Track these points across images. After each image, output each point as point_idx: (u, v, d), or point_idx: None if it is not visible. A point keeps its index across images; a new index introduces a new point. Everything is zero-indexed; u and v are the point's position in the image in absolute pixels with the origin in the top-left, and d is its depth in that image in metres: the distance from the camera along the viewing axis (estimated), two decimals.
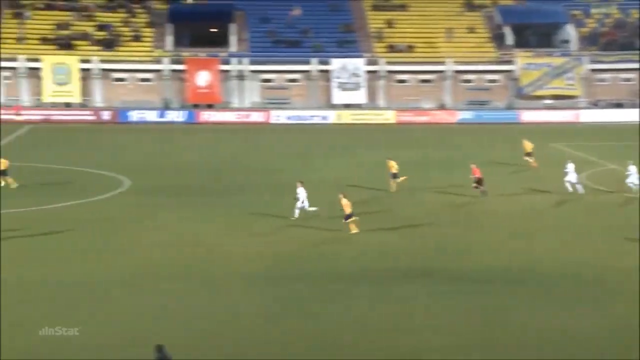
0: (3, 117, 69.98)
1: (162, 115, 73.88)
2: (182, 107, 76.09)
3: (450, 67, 77.70)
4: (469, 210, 37.20)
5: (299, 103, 77.92)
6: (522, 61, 78.53)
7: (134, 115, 73.45)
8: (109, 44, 77.98)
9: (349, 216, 32.16)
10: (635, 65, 77.56)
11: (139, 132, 67.15)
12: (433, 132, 67.97)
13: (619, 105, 77.55)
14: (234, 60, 77.24)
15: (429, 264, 28.35)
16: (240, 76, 77.07)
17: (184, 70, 76.29)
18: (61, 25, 79.33)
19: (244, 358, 20.23)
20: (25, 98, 74.80)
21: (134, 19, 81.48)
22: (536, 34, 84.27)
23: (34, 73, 74.82)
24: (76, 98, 74.83)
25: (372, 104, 77.88)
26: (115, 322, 22.37)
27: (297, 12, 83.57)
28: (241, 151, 56.87)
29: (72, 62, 74.76)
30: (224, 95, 77.09)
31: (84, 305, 23.72)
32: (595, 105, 78.19)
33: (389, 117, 75.47)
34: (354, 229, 32.19)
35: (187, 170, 47.54)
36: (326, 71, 77.70)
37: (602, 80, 79.11)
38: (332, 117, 75.44)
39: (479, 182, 39.25)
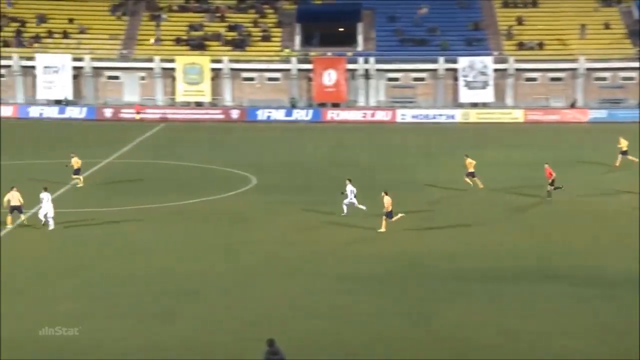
0: (137, 116, 73.26)
1: (289, 114, 75.07)
2: (309, 106, 77.10)
3: (582, 64, 75.27)
4: (583, 210, 36.40)
5: (425, 102, 77.47)
6: None
7: (262, 114, 75.00)
8: (239, 44, 79.88)
9: (390, 214, 32.06)
10: None
11: (266, 130, 68.42)
12: (563, 132, 66.10)
13: None
14: (360, 59, 77.56)
15: (549, 264, 27.73)
16: (367, 75, 77.33)
17: (311, 69, 77.22)
18: (194, 27, 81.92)
19: (360, 357, 20.28)
20: (159, 97, 77.64)
21: (263, 20, 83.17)
22: None
23: (168, 73, 77.56)
24: (207, 97, 77.09)
25: (499, 103, 76.51)
26: (233, 314, 22.89)
27: (424, 10, 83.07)
28: (366, 150, 56.98)
29: (203, 62, 76.97)
30: (350, 94, 77.55)
31: (207, 297, 24.35)
32: None
33: (517, 115, 73.89)
34: (383, 228, 32.13)
35: (312, 169, 48.10)
36: (453, 70, 76.88)
37: None
38: (459, 116, 74.57)
39: (551, 183, 38.51)
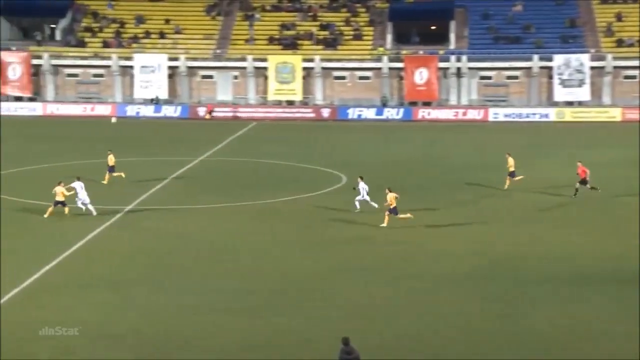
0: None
1: (379, 113, 75.03)
2: (400, 105, 76.88)
3: None
4: None
5: (518, 100, 76.22)
6: None
7: (353, 113, 75.18)
8: (331, 43, 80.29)
9: (394, 210, 32.32)
10: None
11: (356, 129, 68.54)
12: None
13: None
14: (452, 57, 76.87)
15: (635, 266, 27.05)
16: (459, 73, 76.60)
17: (403, 68, 76.95)
18: (286, 26, 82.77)
19: (442, 357, 20.26)
20: (251, 96, 78.77)
21: (355, 18, 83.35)
22: None
23: (261, 72, 78.58)
24: (298, 96, 77.78)
25: (596, 101, 74.64)
26: (313, 314, 23.11)
27: (519, 7, 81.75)
28: (457, 149, 56.59)
29: (295, 61, 77.67)
30: (442, 93, 76.95)
31: (291, 296, 24.58)
32: None
33: (615, 114, 71.95)
34: (385, 223, 32.45)
35: (403, 168, 47.95)
36: (548, 68, 75.39)
37: None
38: (553, 115, 73.07)
39: (584, 182, 37.76)
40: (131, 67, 78.46)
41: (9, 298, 23.92)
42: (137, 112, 76.46)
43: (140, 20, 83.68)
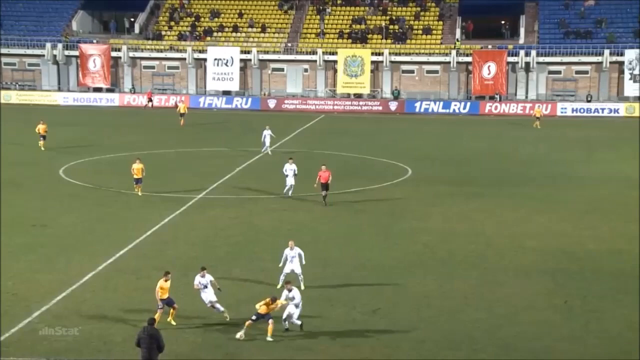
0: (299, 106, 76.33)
1: (446, 107, 75.74)
2: (467, 99, 77.43)
3: None
4: None
5: (587, 95, 75.93)
6: None
7: (420, 106, 76.04)
8: (400, 37, 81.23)
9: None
10: None
11: (423, 122, 69.37)
12: None
13: None
14: (521, 51, 77.01)
15: None
16: (527, 68, 76.72)
17: (471, 62, 77.44)
18: (357, 20, 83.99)
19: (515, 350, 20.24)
20: (320, 89, 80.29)
21: (425, 13, 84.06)
22: None
23: (330, 65, 80.00)
24: (366, 89, 78.94)
25: None
26: (389, 303, 23.51)
27: (591, 2, 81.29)
28: (521, 143, 56.99)
29: (365, 54, 78.83)
30: (510, 87, 77.22)
31: (373, 288, 24.84)
32: None
33: None
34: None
35: (468, 161, 48.61)
36: (618, 62, 74.97)
37: None
38: (622, 109, 72.73)
39: None
40: (205, 59, 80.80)
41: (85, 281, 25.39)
42: (210, 104, 78.75)
43: (214, 14, 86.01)
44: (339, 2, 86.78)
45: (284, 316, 21.00)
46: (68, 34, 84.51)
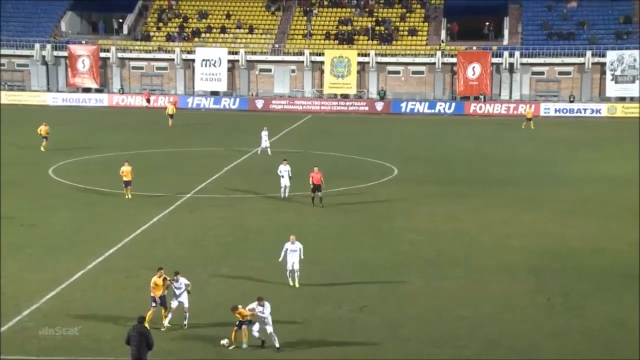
0: (287, 106, 76.55)
1: (432, 107, 76.33)
2: (452, 99, 78.09)
3: None
4: None
5: (570, 96, 76.72)
6: None
7: (406, 107, 76.59)
8: (386, 39, 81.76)
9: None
10: None
11: (409, 123, 69.83)
12: None
13: None
14: (505, 52, 77.70)
15: None
16: (511, 69, 77.46)
17: (456, 63, 78.07)
18: (343, 21, 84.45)
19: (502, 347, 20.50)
20: (308, 89, 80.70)
21: (411, 14, 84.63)
22: None
23: (317, 66, 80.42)
24: (352, 90, 79.40)
25: None
26: (379, 300, 23.78)
27: (574, 4, 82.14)
28: (506, 143, 57.52)
29: (351, 55, 79.29)
30: (494, 88, 77.94)
31: (360, 286, 25.02)
32: None
33: None
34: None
35: (453, 161, 49.08)
36: (600, 64, 75.84)
37: None
38: (604, 110, 73.60)
39: None
40: (193, 60, 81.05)
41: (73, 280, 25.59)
42: (198, 104, 79.02)
43: (202, 15, 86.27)
44: (325, 3, 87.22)
45: (256, 333, 20.18)
46: (57, 35, 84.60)
